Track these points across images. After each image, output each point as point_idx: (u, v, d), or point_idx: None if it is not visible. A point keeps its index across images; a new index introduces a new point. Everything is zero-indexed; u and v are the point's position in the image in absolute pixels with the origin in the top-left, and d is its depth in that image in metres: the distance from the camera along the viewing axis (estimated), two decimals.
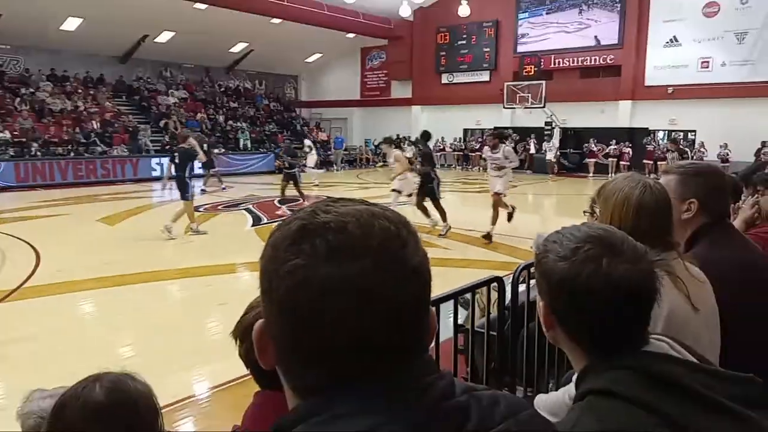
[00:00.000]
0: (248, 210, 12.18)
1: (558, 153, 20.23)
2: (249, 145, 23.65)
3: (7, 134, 17.67)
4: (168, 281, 6.89)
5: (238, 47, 25.44)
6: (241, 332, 1.31)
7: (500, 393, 0.67)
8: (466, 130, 25.70)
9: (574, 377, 1.04)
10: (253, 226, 10.51)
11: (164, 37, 22.73)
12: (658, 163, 18.67)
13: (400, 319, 0.60)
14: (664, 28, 20.43)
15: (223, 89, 27.06)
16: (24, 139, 17.83)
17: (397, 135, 25.92)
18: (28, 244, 8.46)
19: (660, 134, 20.90)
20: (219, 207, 12.85)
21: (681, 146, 16.69)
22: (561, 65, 22.68)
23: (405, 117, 26.85)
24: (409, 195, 9.60)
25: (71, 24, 20.09)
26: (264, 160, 22.53)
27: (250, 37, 24.16)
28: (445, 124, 25.44)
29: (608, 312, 0.93)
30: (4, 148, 17.22)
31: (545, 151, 21.76)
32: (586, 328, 0.96)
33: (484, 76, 24.99)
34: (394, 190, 9.80)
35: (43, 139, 18.25)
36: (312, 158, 18.30)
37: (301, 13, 21.84)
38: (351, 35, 25.68)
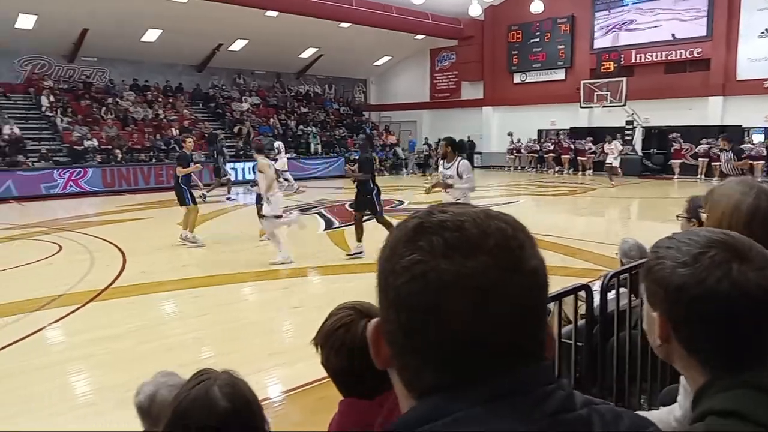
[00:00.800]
0: (320, 214, 12.28)
1: (618, 157, 18.62)
2: (319, 150, 24.01)
3: (94, 142, 18.74)
4: (244, 283, 6.97)
5: (308, 53, 25.91)
6: (322, 339, 1.24)
7: (621, 409, 0.65)
8: (540, 131, 24.99)
9: (680, 397, 0.89)
10: (325, 230, 10.56)
11: (238, 45, 23.46)
12: (754, 163, 17.39)
13: (521, 320, 0.60)
14: (758, 17, 19.04)
15: (293, 94, 27.64)
16: (110, 146, 18.84)
17: (468, 137, 25.72)
18: (115, 246, 8.85)
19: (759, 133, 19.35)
20: (292, 211, 13.01)
21: (733, 144, 15.71)
22: (643, 60, 21.58)
23: (476, 118, 26.46)
24: (279, 217, 7.75)
25: (151, 35, 21.10)
26: (334, 164, 22.79)
27: (320, 43, 24.54)
28: (518, 124, 24.85)
29: (736, 321, 0.85)
30: (92, 155, 18.26)
31: (607, 153, 19.16)
32: (708, 339, 0.88)
33: (559, 75, 24.21)
34: (263, 217, 7.84)
35: (127, 146, 19.23)
36: (282, 161, 16.86)
37: (370, 17, 21.95)
38: (420, 37, 25.58)
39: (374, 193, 8.07)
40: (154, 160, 19.17)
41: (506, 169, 24.69)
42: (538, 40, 24.55)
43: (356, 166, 8.47)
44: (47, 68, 21.24)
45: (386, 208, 13.06)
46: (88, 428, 3.43)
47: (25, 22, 18.38)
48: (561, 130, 24.12)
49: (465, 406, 0.57)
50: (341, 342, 1.22)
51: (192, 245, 8.91)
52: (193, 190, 9.46)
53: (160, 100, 22.57)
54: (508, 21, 25.17)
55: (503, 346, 0.59)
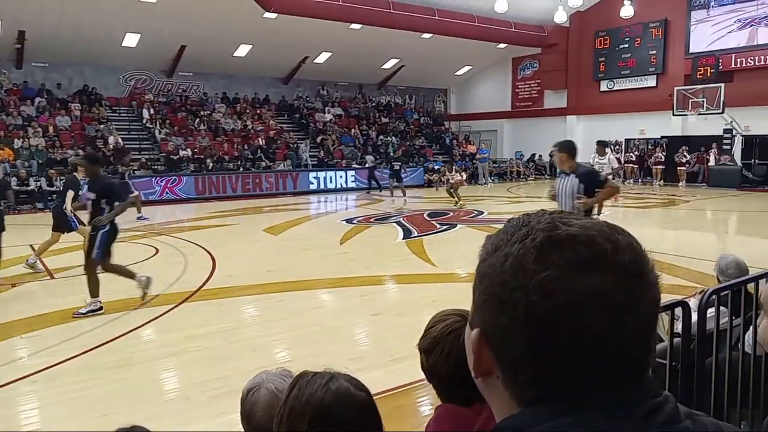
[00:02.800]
0: (399, 223, 12.37)
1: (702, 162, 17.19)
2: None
3: (188, 151, 19.88)
4: (325, 290, 7.14)
5: (390, 63, 26.24)
6: (430, 344, 1.25)
7: (721, 422, 0.65)
8: (628, 141, 23.96)
9: None
10: (404, 238, 10.63)
11: (322, 57, 24.15)
12: None
13: (645, 334, 0.61)
14: None
15: (374, 105, 28.06)
16: (202, 156, 19.92)
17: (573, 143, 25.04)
18: (206, 250, 9.33)
19: None
20: (371, 219, 13.22)
21: None
22: (744, 65, 20.23)
23: (559, 128, 25.72)
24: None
25: (242, 51, 22.15)
26: (413, 174, 22.89)
27: (401, 54, 24.80)
28: (604, 134, 23.92)
29: None
30: (186, 164, 19.37)
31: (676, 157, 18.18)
32: None
33: (650, 81, 23.15)
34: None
35: (218, 156, 20.24)
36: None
37: (452, 27, 21.95)
38: (502, 46, 25.29)
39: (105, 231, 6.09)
40: (241, 169, 20.05)
41: None
42: (627, 45, 23.60)
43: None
44: (148, 83, 22.81)
45: (465, 218, 13.02)
46: (183, 420, 3.63)
47: (131, 40, 19.85)
48: (650, 139, 23.03)
49: (578, 415, 0.59)
50: (451, 348, 1.23)
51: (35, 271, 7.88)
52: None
53: (248, 111, 23.61)
54: (596, 27, 24.38)
55: (626, 360, 0.60)
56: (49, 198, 16.30)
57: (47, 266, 8.10)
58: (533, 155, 26.80)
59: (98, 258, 6.01)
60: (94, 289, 5.94)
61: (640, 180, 22.30)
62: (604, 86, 24.72)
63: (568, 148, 5.51)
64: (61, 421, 3.70)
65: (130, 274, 6.21)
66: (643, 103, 22.62)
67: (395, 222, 12.53)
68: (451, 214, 13.73)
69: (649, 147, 23.01)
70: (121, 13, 17.85)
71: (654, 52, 22.83)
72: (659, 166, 21.82)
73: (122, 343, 5.11)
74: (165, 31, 19.39)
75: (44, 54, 19.76)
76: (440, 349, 1.25)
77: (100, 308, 5.91)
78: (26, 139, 17.86)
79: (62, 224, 8.27)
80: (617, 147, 23.99)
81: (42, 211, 15.14)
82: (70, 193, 8.25)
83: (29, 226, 9.22)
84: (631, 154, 22.98)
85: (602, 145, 11.73)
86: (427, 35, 22.53)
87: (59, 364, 4.60)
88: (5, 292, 6.96)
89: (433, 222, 12.44)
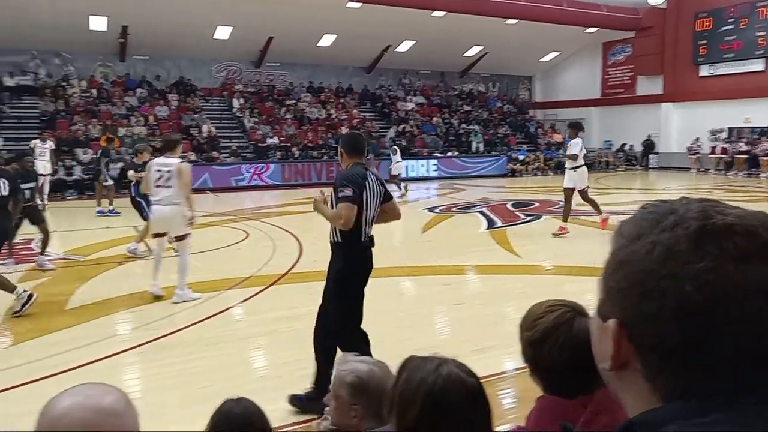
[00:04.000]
0: (482, 213, 12.22)
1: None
2: (481, 148, 23.85)
3: (275, 140, 20.55)
4: (407, 277, 7.19)
5: (473, 51, 25.82)
6: (542, 335, 1.22)
7: None
8: (731, 129, 22.34)
9: None
10: (487, 228, 10.49)
11: (405, 46, 24.14)
12: None
13: None
14: None
15: (457, 93, 27.76)
16: (288, 144, 20.53)
17: (648, 136, 23.86)
18: (293, 235, 9.63)
19: None
20: (453, 209, 13.14)
21: None
22: None
23: (653, 116, 24.43)
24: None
25: (327, 40, 22.54)
26: (496, 163, 22.51)
27: (485, 41, 24.33)
28: (703, 122, 22.50)
29: None
30: (273, 151, 20.04)
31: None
32: None
33: (757, 65, 21.39)
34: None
35: (303, 144, 20.78)
36: (397, 165, 16.41)
37: (539, 12, 21.25)
38: (592, 30, 24.21)
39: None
40: (325, 157, 20.48)
41: (691, 171, 22.47)
42: (731, 27, 21.92)
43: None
44: (238, 73, 23.73)
45: (551, 209, 12.65)
46: (275, 396, 3.78)
47: (222, 33, 20.70)
48: (756, 127, 21.37)
49: (730, 413, 0.57)
50: (565, 339, 1.20)
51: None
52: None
53: (332, 100, 24.04)
54: (696, 8, 22.82)
55: None
56: None
57: (150, 247, 8.65)
58: (623, 145, 25.59)
59: None
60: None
61: (743, 172, 20.72)
62: (704, 71, 23.13)
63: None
64: (161, 391, 3.95)
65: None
66: (749, 89, 20.98)
67: (478, 212, 12.38)
68: (537, 204, 13.39)
69: (754, 137, 21.35)
70: (214, 7, 18.64)
71: (762, 33, 21.05)
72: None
73: (217, 321, 5.39)
74: (254, 24, 20.06)
75: (145, 47, 21.01)
76: (554, 340, 1.21)
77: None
78: (129, 128, 19.10)
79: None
80: (719, 136, 22.46)
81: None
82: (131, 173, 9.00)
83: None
84: (740, 143, 21.38)
85: (575, 128, 9.78)
86: (512, 21, 21.95)
87: (161, 338, 4.92)
88: (111, 270, 7.51)
89: (518, 213, 12.19)
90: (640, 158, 25.20)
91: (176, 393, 3.91)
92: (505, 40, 23.89)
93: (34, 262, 7.66)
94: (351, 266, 3.74)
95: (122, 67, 21.78)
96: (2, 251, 6.91)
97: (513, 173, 22.27)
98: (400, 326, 5.25)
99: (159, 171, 5.96)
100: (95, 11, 18.09)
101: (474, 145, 23.87)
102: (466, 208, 13.16)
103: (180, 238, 6.10)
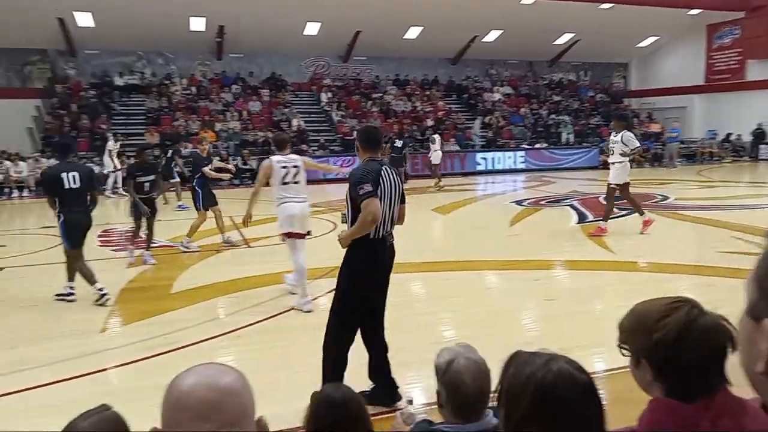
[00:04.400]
0: (572, 206, 11.81)
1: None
2: (571, 139, 23.02)
3: None
4: (495, 271, 7.09)
5: (564, 38, 24.91)
6: (675, 335, 1.15)
7: None
8: None
9: None
10: (578, 223, 10.13)
11: (492, 36, 23.68)
12: None
13: None
14: None
15: (546, 83, 26.92)
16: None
17: (758, 125, 22.09)
18: None
19: None
20: (542, 202, 12.79)
21: None
22: None
23: (764, 103, 22.52)
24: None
25: (413, 33, 22.54)
26: (587, 155, 21.66)
27: (576, 27, 23.39)
28: None
29: None
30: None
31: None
32: None
33: None
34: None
35: (389, 136, 20.92)
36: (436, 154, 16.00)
37: None
38: (695, 12, 22.66)
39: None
40: (411, 150, 20.53)
41: None
42: None
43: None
44: (326, 68, 24.27)
45: (647, 202, 12.01)
46: (360, 387, 3.87)
47: (311, 29, 21.25)
48: None
49: None
50: (699, 337, 1.14)
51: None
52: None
53: (417, 93, 24.04)
54: None
55: None
56: (244, 175, 18.19)
57: (244, 236, 9.07)
58: (729, 134, 23.81)
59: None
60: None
61: None
62: None
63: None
64: (262, 373, 4.15)
65: None
66: None
67: (568, 205, 11.99)
68: None
69: None
70: (304, 4, 19.14)
71: None
72: None
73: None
74: (342, 18, 20.41)
75: (240, 46, 21.94)
76: (690, 340, 1.14)
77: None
78: (225, 123, 20.07)
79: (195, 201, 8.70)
80: None
81: (237, 186, 16.96)
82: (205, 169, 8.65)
83: (227, 200, 10.43)
84: None
85: (622, 121, 9.54)
86: (606, 5, 20.96)
87: (258, 323, 5.17)
88: (210, 257, 7.96)
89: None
90: (749, 149, 23.34)
91: (276, 375, 4.09)
92: (598, 26, 22.85)
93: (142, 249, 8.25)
94: (356, 263, 3.52)
95: (219, 65, 22.88)
96: (107, 239, 7.41)
97: (605, 165, 21.30)
98: (487, 321, 5.20)
99: (285, 167, 5.68)
100: (195, 12, 19.11)
101: (564, 137, 23.08)
102: (555, 201, 12.78)
103: (301, 235, 5.78)
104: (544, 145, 22.14)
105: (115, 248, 8.63)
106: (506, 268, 7.17)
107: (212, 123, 19.86)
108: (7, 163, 15.96)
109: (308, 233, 5.92)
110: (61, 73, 20.78)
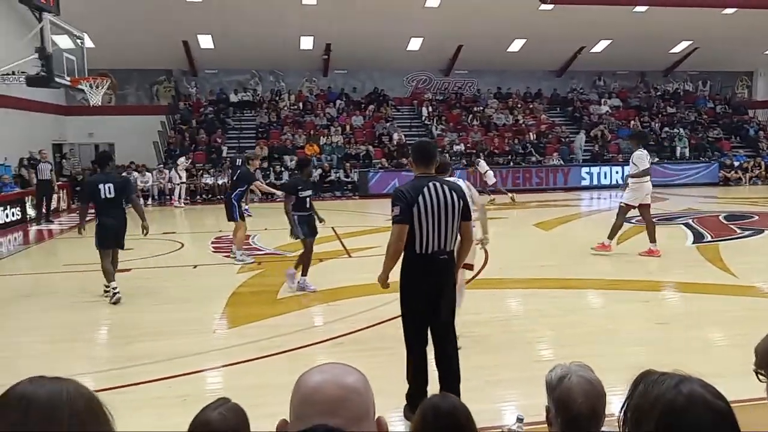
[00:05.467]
0: (687, 225, 11.05)
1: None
2: (686, 154, 21.58)
3: (461, 146, 20.78)
4: (600, 290, 6.79)
5: (680, 47, 23.48)
6: None
7: None
8: None
9: None
10: (694, 243, 9.47)
11: (600, 46, 22.81)
12: None
13: None
14: None
15: (659, 94, 25.46)
16: (474, 150, 20.62)
17: None
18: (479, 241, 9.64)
19: None
20: (653, 219, 12.06)
21: None
22: None
23: None
24: None
25: (516, 45, 22.23)
26: (705, 170, 20.20)
27: (695, 35, 21.96)
28: None
29: None
30: (459, 158, 20.28)
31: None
32: None
33: None
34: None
35: (488, 150, 20.71)
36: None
37: None
38: None
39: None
40: (511, 164, 20.19)
41: None
42: None
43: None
44: (428, 82, 24.49)
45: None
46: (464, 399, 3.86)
47: (414, 44, 21.59)
48: None
49: None
50: None
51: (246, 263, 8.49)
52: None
53: (519, 106, 23.62)
54: None
55: None
56: (346, 187, 18.73)
57: (345, 246, 9.31)
58: None
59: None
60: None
61: None
62: None
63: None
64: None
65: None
66: None
67: (683, 223, 11.23)
68: (756, 218, 11.73)
69: None
70: (407, 20, 19.48)
71: None
72: None
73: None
74: (445, 33, 20.54)
75: (344, 62, 22.70)
76: None
77: None
78: (329, 137, 20.80)
79: (228, 213, 8.81)
80: None
81: (340, 198, 17.48)
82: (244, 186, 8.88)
83: (331, 211, 10.77)
84: None
85: (639, 138, 9.07)
86: (729, 10, 19.53)
87: (357, 332, 5.30)
88: (313, 266, 8.24)
89: (732, 226, 10.81)
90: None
91: (375, 383, 4.16)
92: (720, 33, 21.33)
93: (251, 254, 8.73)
94: (404, 277, 3.59)
95: (325, 81, 23.79)
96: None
97: (726, 182, 19.78)
98: (591, 342, 4.99)
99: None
100: (305, 32, 20.05)
101: (678, 151, 21.68)
102: (667, 219, 12.01)
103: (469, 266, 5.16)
104: (656, 159, 20.89)
105: (226, 254, 9.19)
106: (612, 288, 6.85)
107: (317, 137, 20.65)
108: (135, 173, 17.50)
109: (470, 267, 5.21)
110: (183, 91, 22.56)
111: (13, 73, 10.43)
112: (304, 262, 6.87)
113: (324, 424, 0.91)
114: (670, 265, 7.84)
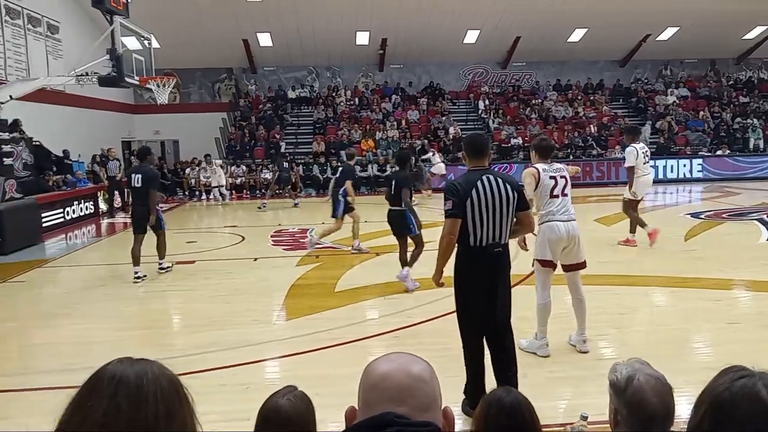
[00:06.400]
0: (761, 221, 10.47)
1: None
2: (761, 145, 20.42)
3: (519, 140, 20.40)
4: (668, 288, 6.51)
5: (754, 32, 22.20)
6: None
7: None
8: None
9: None
10: None
11: (667, 33, 21.87)
12: None
13: None
14: None
15: (731, 83, 24.18)
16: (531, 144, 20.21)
17: None
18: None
19: None
20: (723, 215, 11.51)
21: None
22: None
23: None
24: None
25: (577, 35, 21.60)
26: None
27: None
28: None
29: None
30: (517, 152, 19.93)
31: None
32: None
33: None
34: None
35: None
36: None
37: None
38: None
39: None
40: (571, 157, 19.66)
41: None
42: None
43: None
44: (484, 75, 24.17)
45: None
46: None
47: (471, 37, 21.33)
48: None
49: None
50: None
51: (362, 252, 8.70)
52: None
53: (580, 98, 22.96)
54: None
55: None
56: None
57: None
58: None
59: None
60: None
61: None
62: None
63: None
64: None
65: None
66: None
67: (757, 219, 10.65)
68: None
69: None
70: (463, 13, 19.27)
71: None
72: None
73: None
74: (502, 25, 20.20)
75: (400, 56, 22.70)
76: None
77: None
78: (384, 131, 20.87)
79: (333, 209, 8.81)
80: None
81: None
82: (348, 182, 8.62)
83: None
84: None
85: (630, 134, 8.99)
86: None
87: (415, 325, 5.31)
88: (369, 260, 8.32)
89: None
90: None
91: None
92: None
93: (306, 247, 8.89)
94: (458, 271, 3.56)
95: (380, 76, 23.86)
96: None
97: None
98: (657, 342, 4.81)
99: (553, 178, 4.63)
100: (361, 27, 20.16)
101: (752, 142, 20.54)
102: (740, 214, 11.42)
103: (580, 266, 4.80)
104: (727, 151, 19.88)
105: (285, 248, 9.38)
106: (680, 286, 6.56)
107: (372, 132, 20.75)
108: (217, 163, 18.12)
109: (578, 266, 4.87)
110: (243, 88, 23.14)
111: (87, 74, 10.97)
112: (417, 256, 6.79)
113: (391, 412, 0.92)
114: (743, 262, 7.45)
